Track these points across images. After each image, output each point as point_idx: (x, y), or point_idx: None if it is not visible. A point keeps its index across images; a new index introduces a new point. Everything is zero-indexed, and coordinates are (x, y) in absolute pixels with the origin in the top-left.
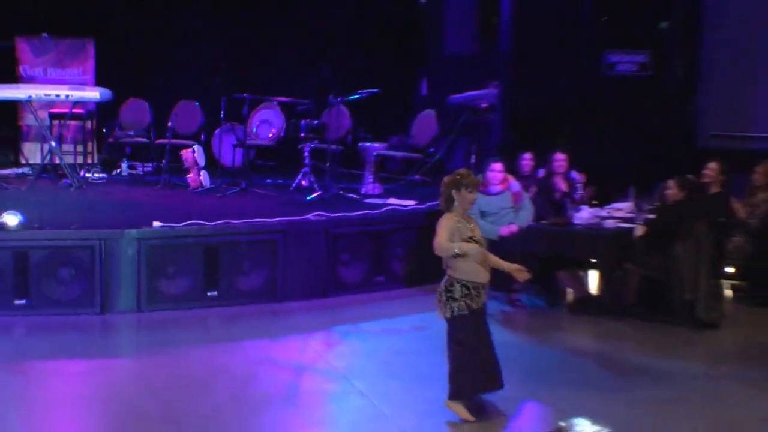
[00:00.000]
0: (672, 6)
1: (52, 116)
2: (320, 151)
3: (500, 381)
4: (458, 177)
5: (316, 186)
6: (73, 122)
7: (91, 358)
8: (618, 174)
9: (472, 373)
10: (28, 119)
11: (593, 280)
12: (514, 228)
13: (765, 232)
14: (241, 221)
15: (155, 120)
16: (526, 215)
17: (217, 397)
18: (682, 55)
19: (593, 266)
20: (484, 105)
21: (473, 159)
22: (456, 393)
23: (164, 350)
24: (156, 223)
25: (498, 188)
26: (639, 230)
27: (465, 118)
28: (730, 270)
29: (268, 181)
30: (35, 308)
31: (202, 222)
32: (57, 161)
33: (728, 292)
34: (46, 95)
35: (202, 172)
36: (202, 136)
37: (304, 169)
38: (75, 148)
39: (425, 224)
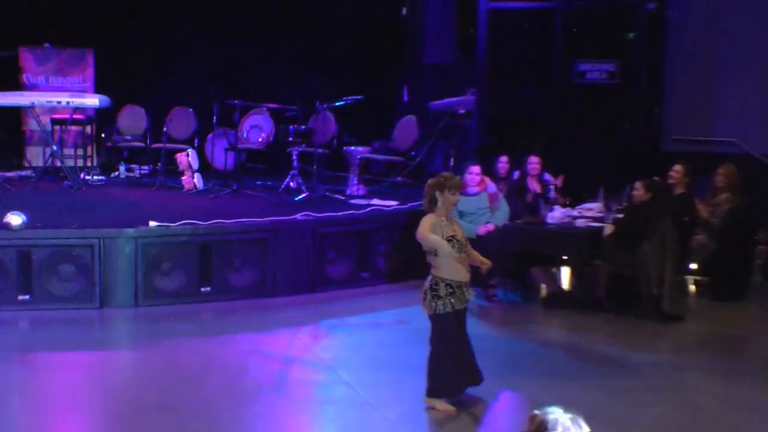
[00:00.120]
0: (637, 19)
1: (54, 122)
2: (307, 154)
3: (480, 376)
4: (442, 179)
5: (303, 187)
6: (73, 127)
7: (91, 350)
8: (588, 176)
9: (454, 372)
10: (32, 124)
11: (565, 276)
12: (490, 227)
13: (726, 230)
14: (232, 221)
15: (151, 125)
16: (502, 215)
17: (211, 386)
18: (647, 65)
19: (565, 263)
20: (461, 111)
21: (452, 162)
22: (439, 392)
23: (160, 343)
24: (152, 223)
25: (475, 189)
26: (608, 229)
27: (444, 124)
28: (693, 266)
29: (258, 183)
30: (38, 303)
31: (196, 222)
32: (58, 164)
33: (692, 287)
34: (48, 102)
35: (196, 175)
36: (196, 140)
37: (292, 172)
38: (75, 151)
39: (407, 224)
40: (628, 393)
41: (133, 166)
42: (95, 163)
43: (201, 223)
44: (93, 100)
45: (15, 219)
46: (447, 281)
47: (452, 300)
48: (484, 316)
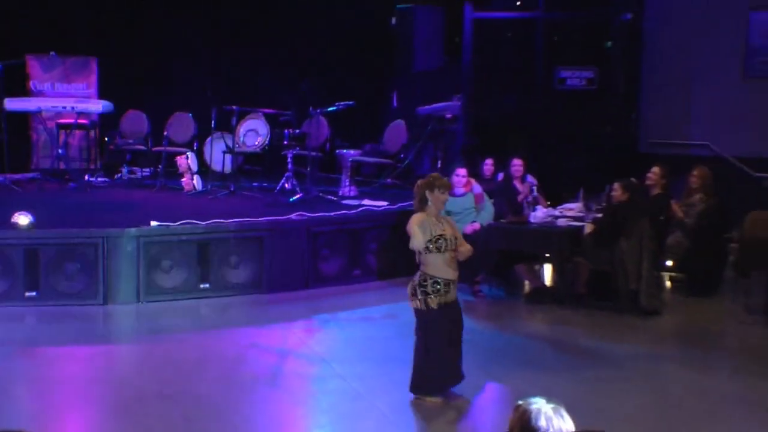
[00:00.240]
0: (615, 28)
1: (60, 126)
2: (301, 157)
3: (460, 377)
4: (432, 179)
5: (298, 189)
6: (78, 131)
7: (95, 344)
8: (569, 177)
9: (437, 369)
10: (38, 129)
11: (547, 272)
12: (476, 226)
13: (700, 229)
14: (230, 220)
15: (152, 129)
16: (487, 215)
17: (209, 378)
18: (625, 72)
19: (547, 260)
20: (448, 115)
21: (439, 164)
22: (420, 387)
23: (161, 337)
24: (153, 223)
25: (462, 190)
26: (588, 228)
27: (431, 127)
28: (669, 263)
29: (254, 184)
30: (44, 299)
31: (195, 221)
32: (64, 167)
33: (668, 283)
34: (53, 107)
35: (195, 177)
36: (195, 143)
37: (287, 174)
38: (80, 154)
39: (397, 223)
40: (608, 383)
41: (134, 168)
42: (99, 166)
43: (200, 222)
44: (96, 106)
45: (22, 219)
46: (434, 278)
47: (438, 297)
48: (470, 310)
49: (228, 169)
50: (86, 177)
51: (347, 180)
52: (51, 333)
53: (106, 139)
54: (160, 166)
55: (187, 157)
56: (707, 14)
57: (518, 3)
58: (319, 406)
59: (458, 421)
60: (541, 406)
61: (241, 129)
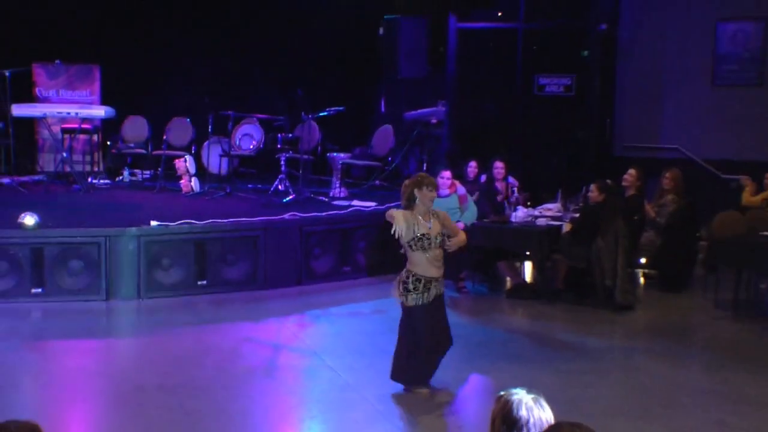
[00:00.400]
0: (591, 38)
1: (64, 131)
2: (294, 160)
3: (434, 370)
4: (419, 178)
5: (291, 190)
6: (82, 136)
7: (97, 338)
8: (547, 179)
9: (421, 364)
10: (44, 133)
11: (528, 269)
12: (460, 225)
13: (672, 228)
14: (226, 220)
15: (152, 134)
16: (471, 215)
17: (206, 370)
18: (600, 79)
19: (528, 258)
20: (433, 120)
21: (425, 167)
22: (399, 377)
23: (160, 331)
24: (153, 223)
25: (447, 192)
26: (566, 227)
27: (417, 132)
28: (643, 261)
29: (249, 186)
30: (49, 296)
31: (193, 221)
32: (68, 169)
33: (642, 280)
34: (58, 113)
35: (193, 179)
36: (193, 147)
37: (280, 176)
38: (83, 158)
39: (385, 223)
40: (585, 375)
41: (135, 170)
42: (101, 168)
43: (197, 222)
44: (99, 111)
45: (29, 219)
46: (419, 276)
47: (421, 293)
48: (454, 306)
49: (224, 171)
50: (89, 179)
51: (338, 182)
52: (56, 328)
53: (108, 143)
54: (159, 169)
55: (186, 160)
56: (678, 25)
57: (499, 14)
58: (311, 396)
59: (443, 410)
60: (522, 397)
61: (237, 133)
